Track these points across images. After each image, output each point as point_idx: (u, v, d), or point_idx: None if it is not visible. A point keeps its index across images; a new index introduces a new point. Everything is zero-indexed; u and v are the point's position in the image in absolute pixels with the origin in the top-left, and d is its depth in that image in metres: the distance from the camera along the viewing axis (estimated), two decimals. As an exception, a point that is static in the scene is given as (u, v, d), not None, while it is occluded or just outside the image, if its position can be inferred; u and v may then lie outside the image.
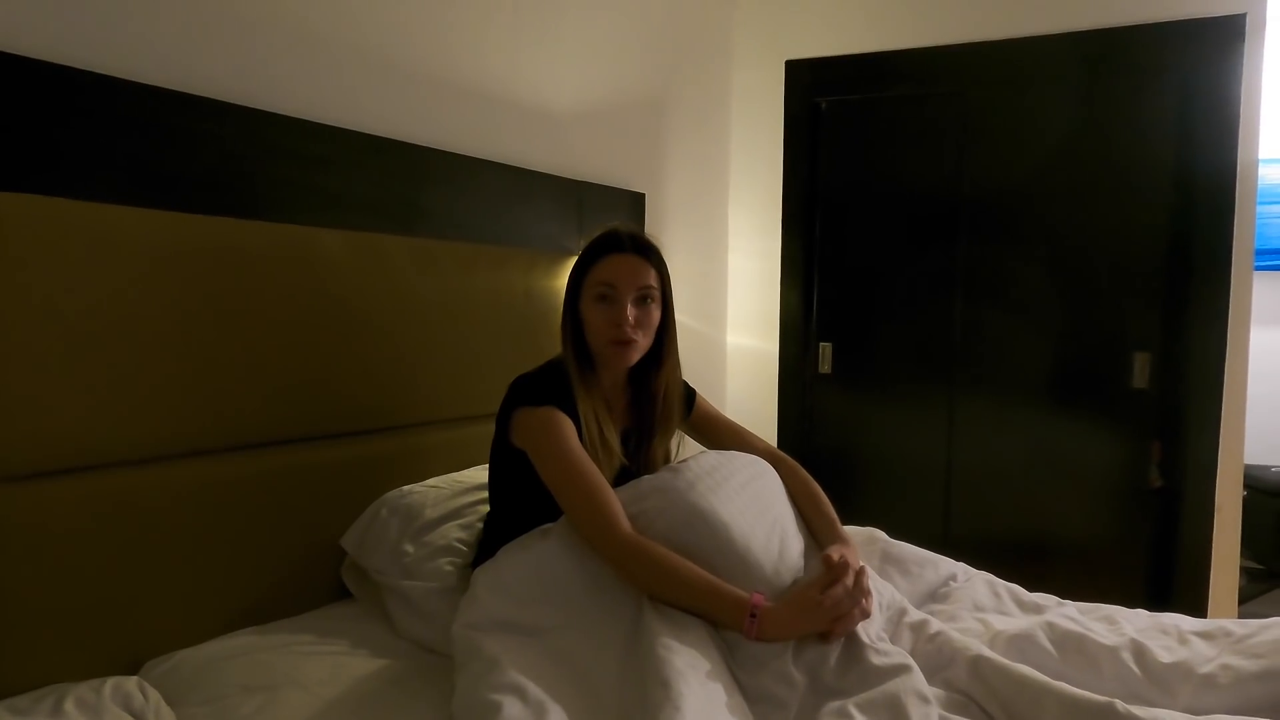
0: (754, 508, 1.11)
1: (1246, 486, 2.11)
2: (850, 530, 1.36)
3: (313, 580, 1.31)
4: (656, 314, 1.20)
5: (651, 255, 1.19)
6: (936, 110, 2.34)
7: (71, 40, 1.03)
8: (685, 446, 1.37)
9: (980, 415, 2.33)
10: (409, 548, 1.26)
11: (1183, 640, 1.05)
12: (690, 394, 1.36)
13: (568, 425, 1.11)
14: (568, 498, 1.07)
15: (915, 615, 1.11)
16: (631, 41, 2.13)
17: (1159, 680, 0.97)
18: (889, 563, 1.30)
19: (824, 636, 0.96)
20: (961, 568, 1.32)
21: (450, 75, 1.62)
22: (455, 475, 1.46)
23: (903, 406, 2.42)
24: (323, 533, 1.32)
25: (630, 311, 1.15)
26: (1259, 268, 2.14)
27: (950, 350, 2.35)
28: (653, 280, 1.18)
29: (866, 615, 0.98)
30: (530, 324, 1.74)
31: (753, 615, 0.95)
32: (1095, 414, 2.21)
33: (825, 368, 2.50)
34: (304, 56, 1.34)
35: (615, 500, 1.06)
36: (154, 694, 0.94)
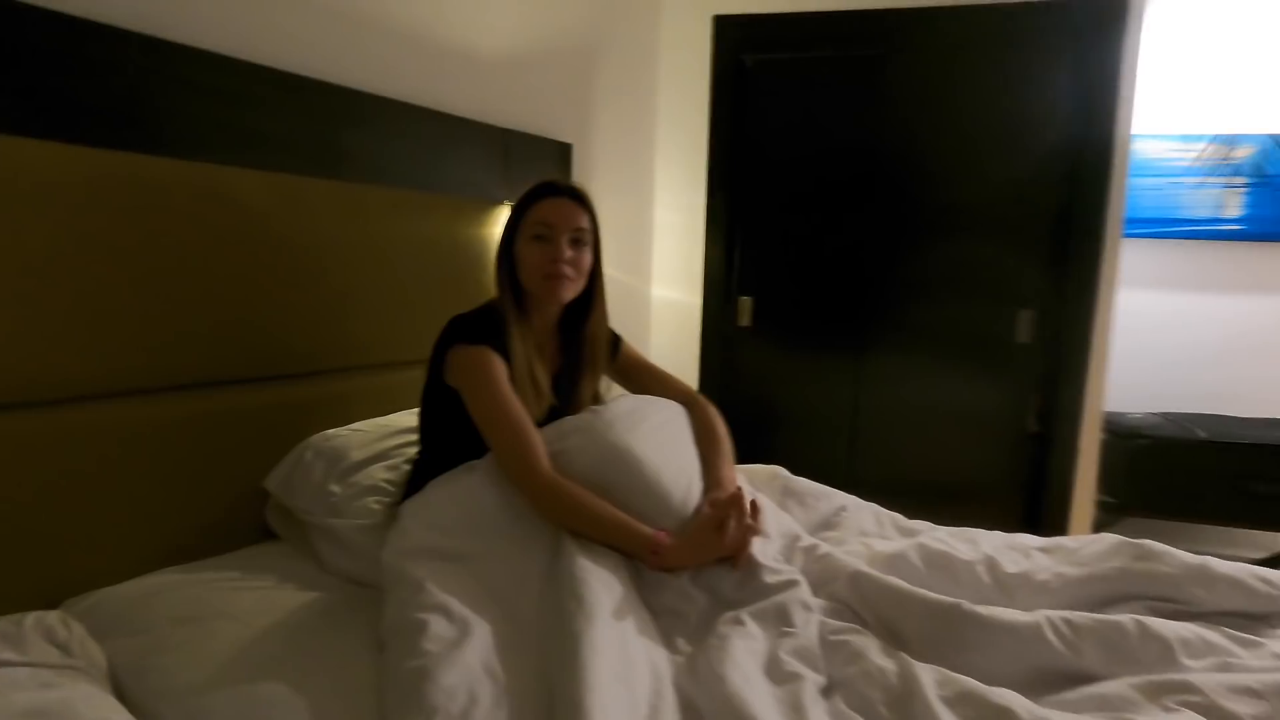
0: (667, 447, 1.20)
1: (1105, 430, 2.37)
2: (754, 468, 1.49)
3: (236, 522, 1.33)
4: (589, 258, 1.27)
5: (585, 202, 1.27)
6: (857, 72, 2.43)
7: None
8: (613, 392, 1.44)
9: (884, 367, 2.51)
10: (335, 488, 1.29)
11: (1027, 555, 1.22)
12: (615, 340, 1.43)
13: (499, 365, 1.16)
14: (493, 436, 1.13)
15: (807, 540, 1.24)
16: (560, -13, 2.11)
17: (1005, 587, 1.14)
18: (788, 496, 1.43)
19: (728, 563, 1.07)
20: (852, 499, 1.47)
21: (375, 14, 1.57)
22: (381, 419, 1.49)
23: (816, 359, 2.58)
24: (247, 476, 1.33)
25: (565, 250, 1.21)
26: (1127, 235, 2.36)
27: (859, 306, 2.50)
28: (586, 224, 1.25)
29: (757, 533, 1.09)
30: (457, 271, 1.75)
31: (655, 551, 1.05)
32: (985, 366, 2.42)
33: (745, 321, 2.61)
34: None
35: (538, 441, 1.13)
36: (78, 627, 0.95)
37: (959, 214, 2.40)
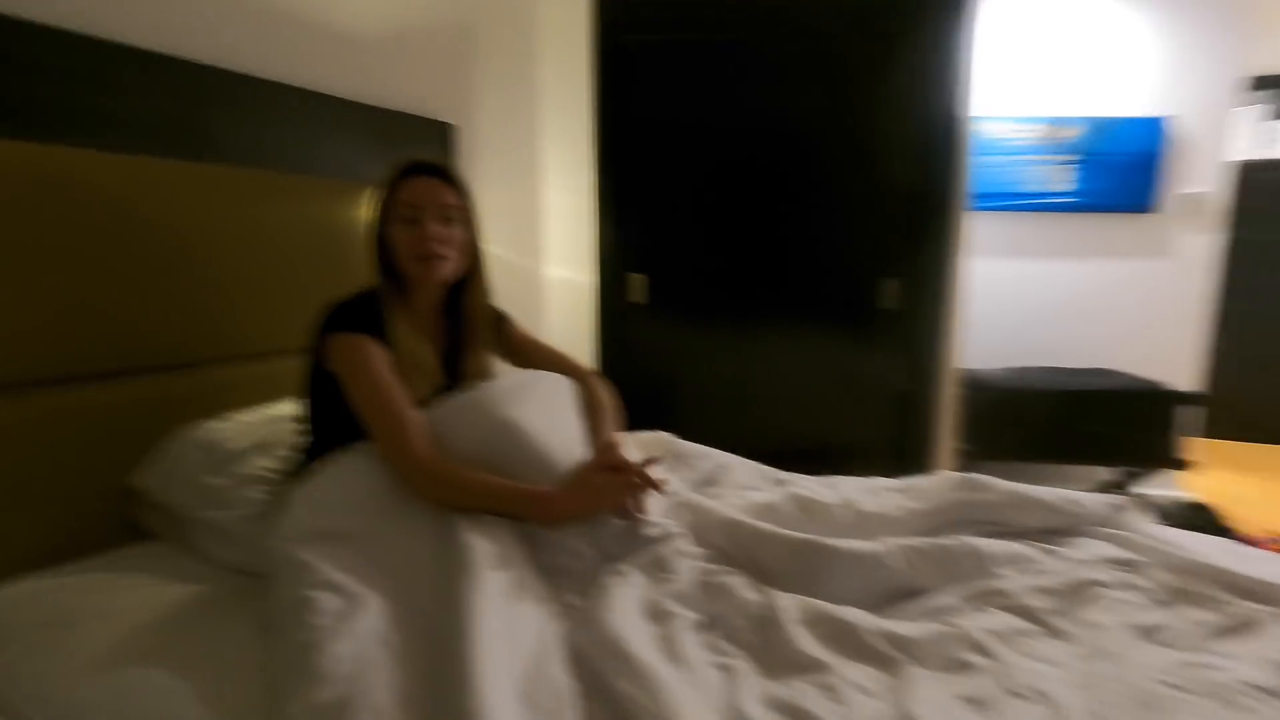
0: (553, 419, 1.25)
1: (962, 386, 2.64)
2: (642, 435, 1.57)
3: (105, 523, 1.27)
4: (463, 235, 1.27)
5: (452, 179, 1.26)
6: (732, 55, 2.54)
7: None
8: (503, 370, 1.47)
9: (769, 338, 2.66)
10: (214, 480, 1.26)
11: (881, 494, 1.37)
12: (502, 318, 1.46)
13: (377, 352, 1.16)
14: (372, 425, 1.13)
15: (690, 497, 1.34)
16: (434, -36, 2.08)
17: (861, 523, 1.27)
18: (675, 458, 1.52)
19: (618, 513, 1.12)
20: (733, 458, 1.58)
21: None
22: (261, 409, 1.46)
23: (707, 332, 2.70)
24: (113, 474, 1.28)
25: (434, 229, 1.21)
26: (977, 209, 2.62)
27: (745, 279, 2.64)
28: (454, 200, 1.24)
29: (646, 484, 1.14)
30: (337, 255, 1.72)
31: (544, 505, 1.09)
32: (858, 331, 2.62)
33: (638, 298, 2.69)
34: None
35: (417, 426, 1.13)
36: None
37: (833, 190, 2.57)
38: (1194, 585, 1.08)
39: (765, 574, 1.12)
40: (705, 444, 1.62)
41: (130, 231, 1.29)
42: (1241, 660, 0.89)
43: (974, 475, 1.33)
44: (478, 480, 1.10)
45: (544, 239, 2.68)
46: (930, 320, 2.56)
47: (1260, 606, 1.03)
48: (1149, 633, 0.97)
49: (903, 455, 2.66)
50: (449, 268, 1.25)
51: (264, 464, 1.30)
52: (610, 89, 2.58)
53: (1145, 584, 1.08)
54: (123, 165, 1.27)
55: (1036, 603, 1.03)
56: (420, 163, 1.26)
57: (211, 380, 1.46)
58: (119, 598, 1.07)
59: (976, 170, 2.53)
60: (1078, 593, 1.06)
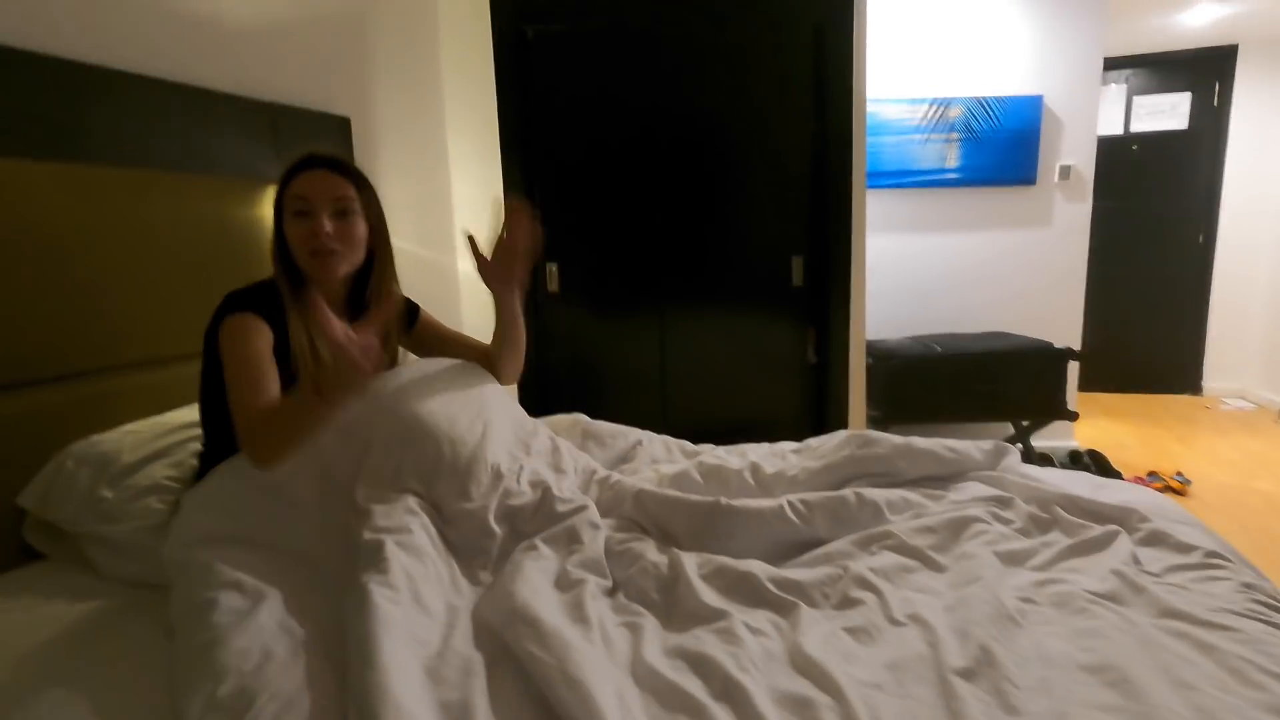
0: (456, 400, 1.26)
1: (868, 356, 2.78)
2: (556, 418, 1.60)
3: (-9, 546, 1.21)
4: (360, 227, 1.24)
5: (346, 170, 1.24)
6: (636, 42, 2.58)
7: None
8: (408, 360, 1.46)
9: (685, 321, 2.73)
10: (107, 493, 1.21)
11: (783, 457, 1.44)
12: (413, 309, 1.45)
13: (260, 331, 1.13)
14: (232, 404, 1.07)
15: (602, 473, 1.38)
16: (317, -47, 2.03)
17: (765, 485, 1.34)
18: (588, 438, 1.56)
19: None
20: (646, 434, 1.63)
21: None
22: (155, 418, 1.40)
23: (623, 319, 2.74)
24: (1, 494, 1.21)
25: (327, 223, 1.19)
26: (873, 186, 2.75)
27: (658, 265, 2.69)
28: (349, 192, 1.22)
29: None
30: (227, 253, 1.66)
31: (315, 391, 0.95)
32: (769, 310, 2.72)
33: (554, 287, 2.71)
34: None
35: (260, 405, 1.05)
36: None
37: (737, 174, 2.65)
38: (1055, 514, 1.19)
39: (672, 538, 1.17)
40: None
41: (1, 238, 1.22)
42: (1086, 574, 1.00)
43: (865, 431, 1.42)
44: (278, 411, 1.03)
45: (454, 231, 2.66)
46: (836, 295, 2.68)
47: (1110, 528, 1.15)
48: (1014, 558, 1.07)
49: (819, 426, 2.78)
50: (342, 262, 1.23)
51: (162, 473, 1.26)
52: (513, 79, 2.57)
53: (1013, 517, 1.19)
54: (-17, 168, 1.20)
55: (919, 541, 1.11)
56: (313, 156, 1.23)
57: (98, 391, 1.39)
58: (9, 620, 1.03)
59: (872, 150, 2.65)
60: (956, 529, 1.15)
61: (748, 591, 1.00)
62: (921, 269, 3.36)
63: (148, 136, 1.51)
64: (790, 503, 1.19)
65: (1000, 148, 3.26)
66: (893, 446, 1.36)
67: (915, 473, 1.35)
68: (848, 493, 1.23)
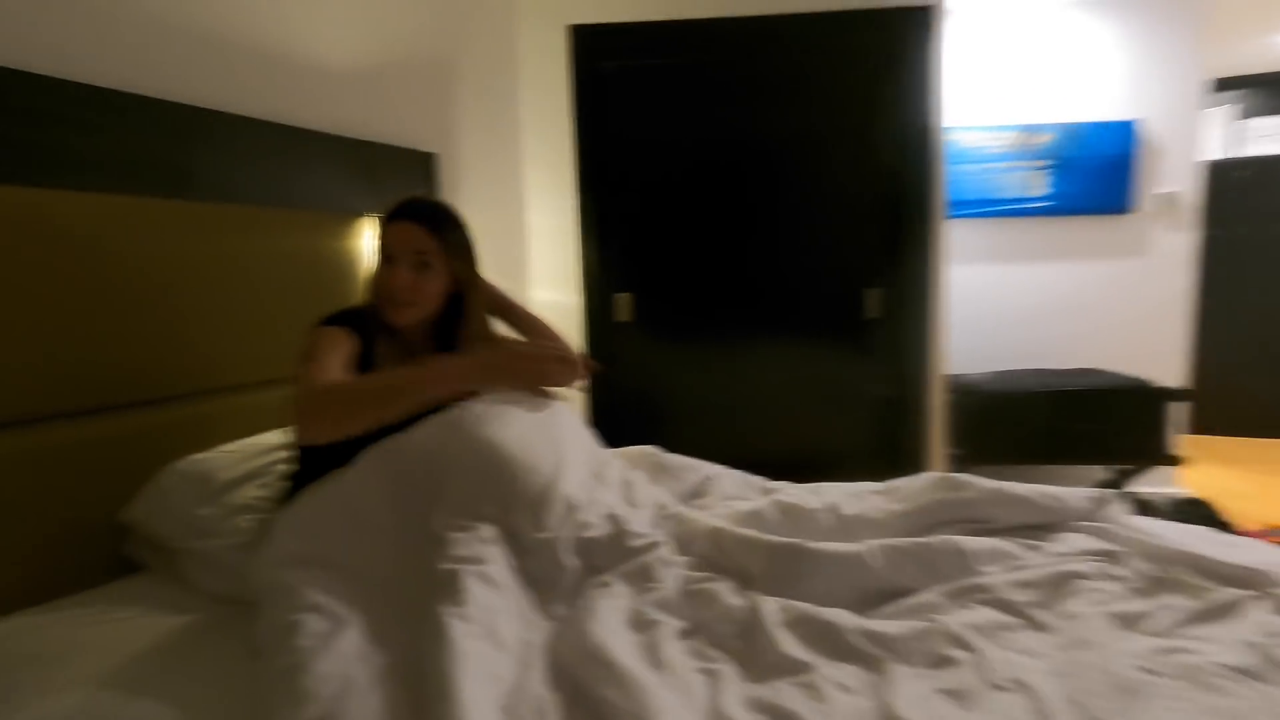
0: (533, 429, 1.27)
1: (949, 391, 2.66)
2: (628, 450, 1.59)
3: (95, 557, 1.28)
4: (435, 282, 1.28)
5: (431, 222, 1.27)
6: (707, 77, 2.60)
7: None
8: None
9: (755, 351, 2.69)
10: (204, 511, 1.27)
11: (864, 498, 1.38)
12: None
13: (346, 340, 1.17)
14: (297, 376, 1.10)
15: (675, 508, 1.35)
16: None
17: (846, 528, 1.28)
18: (660, 471, 1.53)
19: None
20: (720, 469, 1.59)
21: (219, 30, 1.55)
22: (250, 439, 1.47)
23: (693, 348, 2.72)
24: (103, 508, 1.28)
25: (405, 275, 1.24)
26: (955, 216, 2.66)
27: (729, 295, 2.67)
28: (429, 246, 1.26)
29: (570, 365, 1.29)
30: (320, 285, 1.74)
31: (430, 369, 1.13)
32: (843, 343, 2.65)
33: (625, 316, 2.72)
34: (47, 9, 1.23)
35: (322, 381, 1.08)
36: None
37: (812, 205, 2.61)
38: (1173, 573, 1.09)
39: (749, 579, 1.13)
40: (696, 457, 1.63)
41: (111, 270, 1.31)
42: (1217, 643, 0.90)
43: (954, 474, 1.34)
44: (368, 383, 1.11)
45: (529, 262, 2.72)
46: (914, 327, 2.59)
47: (1240, 591, 1.04)
48: (1128, 621, 0.98)
49: (894, 462, 2.67)
50: (413, 314, 1.27)
51: (254, 493, 1.31)
52: (589, 113, 2.63)
53: (1125, 574, 1.09)
54: (102, 205, 1.30)
55: (1017, 596, 1.04)
56: (409, 205, 1.29)
57: (197, 413, 1.47)
58: (108, 631, 1.08)
59: (952, 179, 2.57)
60: (1058, 585, 1.07)
61: (832, 642, 0.95)
62: (1005, 300, 3.21)
63: (250, 174, 1.61)
64: (875, 548, 1.13)
65: (1092, 175, 3.11)
66: (984, 491, 1.29)
67: (1009, 520, 1.27)
68: (936, 540, 1.16)
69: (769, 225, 2.64)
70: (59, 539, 1.23)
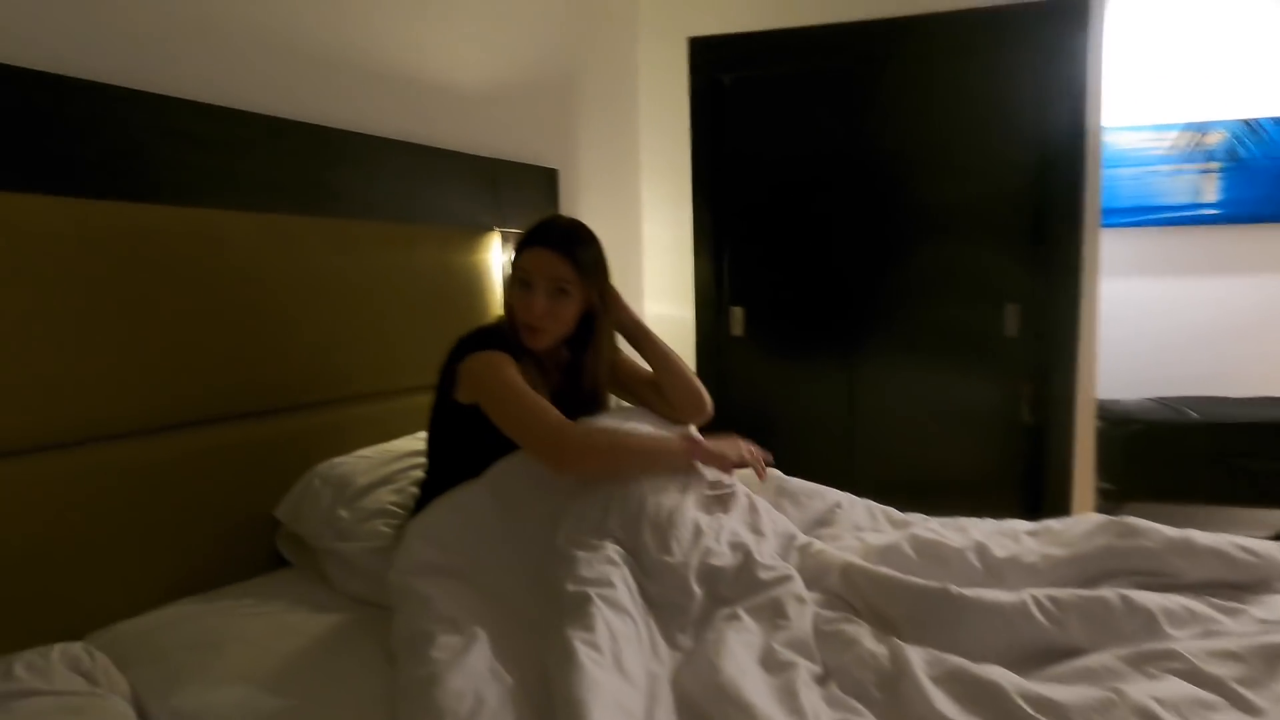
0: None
1: (1100, 418, 2.40)
2: (749, 472, 1.52)
3: (248, 551, 1.37)
4: (570, 309, 1.28)
5: (570, 250, 1.27)
6: (829, 84, 2.50)
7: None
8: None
9: (877, 368, 2.55)
10: (343, 513, 1.33)
11: (1016, 539, 1.25)
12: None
13: (513, 365, 1.20)
14: (520, 427, 1.16)
15: (802, 539, 1.28)
16: (536, 19, 2.19)
17: (994, 570, 1.16)
18: (783, 496, 1.46)
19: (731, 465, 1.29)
20: (846, 496, 1.50)
21: (354, 56, 1.65)
22: (383, 445, 1.53)
23: (809, 364, 2.62)
24: (254, 506, 1.38)
25: (541, 301, 1.24)
26: (1107, 225, 2.41)
27: (849, 308, 2.55)
28: (567, 274, 1.25)
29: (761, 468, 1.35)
30: (448, 298, 1.81)
31: (691, 449, 1.24)
32: (975, 361, 2.46)
33: (738, 331, 2.66)
34: (203, 39, 1.35)
35: (560, 416, 1.16)
36: (101, 657, 0.99)
37: (940, 215, 2.45)
38: None
39: (889, 624, 1.04)
40: (811, 479, 1.55)
41: (264, 285, 1.41)
42: None
43: (1126, 519, 1.19)
44: (631, 439, 1.21)
45: (643, 274, 2.71)
46: (1059, 347, 2.36)
47: None
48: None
49: (1034, 494, 2.44)
50: (547, 339, 1.28)
51: (388, 498, 1.36)
52: (706, 125, 2.60)
53: (1357, 652, 0.92)
54: (255, 223, 1.40)
55: (1218, 669, 0.89)
56: (544, 230, 1.29)
57: (337, 419, 1.55)
58: (257, 624, 1.14)
59: (1106, 184, 2.33)
60: (1270, 659, 0.91)
61: (992, 706, 0.85)
62: (1168, 319, 2.88)
63: (384, 191, 1.69)
64: (1035, 598, 1.01)
65: (1274, 178, 2.74)
66: (1166, 540, 1.13)
67: (1196, 576, 1.10)
68: (1110, 593, 1.02)
69: (894, 236, 2.50)
70: (219, 532, 1.32)
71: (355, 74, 1.65)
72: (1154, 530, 1.15)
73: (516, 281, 1.28)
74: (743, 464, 1.31)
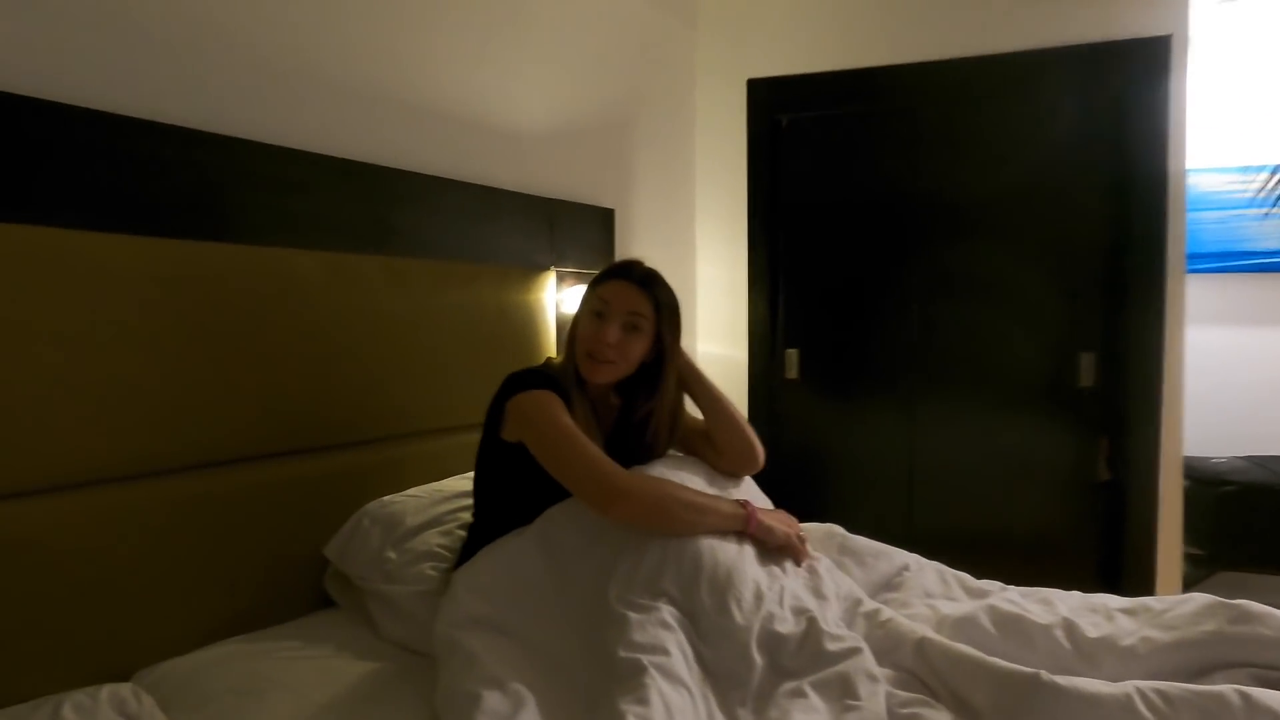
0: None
1: (1187, 477, 2.23)
2: (810, 526, 1.45)
3: (296, 590, 1.36)
4: (639, 345, 1.26)
5: (651, 288, 1.26)
6: (890, 125, 2.45)
7: (49, 75, 1.08)
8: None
9: (939, 416, 2.43)
10: (391, 554, 1.31)
11: (1109, 617, 1.14)
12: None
13: (562, 405, 1.17)
14: (566, 468, 1.12)
15: (869, 604, 1.19)
16: (596, 63, 2.22)
17: (1086, 653, 1.06)
18: (845, 555, 1.38)
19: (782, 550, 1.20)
20: (914, 558, 1.41)
21: (418, 99, 1.68)
22: (434, 485, 1.51)
23: (866, 409, 2.52)
24: (305, 543, 1.36)
25: (614, 332, 1.22)
26: (1191, 270, 2.27)
27: (909, 354, 2.45)
28: (644, 309, 1.24)
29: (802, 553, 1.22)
30: (503, 337, 1.80)
31: (746, 517, 1.17)
32: (1046, 412, 2.33)
33: (792, 373, 2.59)
34: (275, 86, 1.39)
35: (608, 460, 1.12)
36: (148, 699, 0.98)
37: (1007, 259, 2.35)
38: None
39: (969, 709, 0.95)
40: (866, 531, 1.47)
41: (324, 321, 1.42)
42: None
43: (1241, 603, 1.07)
44: (685, 492, 1.15)
45: (697, 315, 2.68)
46: (1139, 398, 2.22)
47: None
48: None
49: (1111, 558, 2.27)
50: (611, 373, 1.25)
51: (436, 540, 1.34)
52: (764, 165, 2.58)
53: None
54: (318, 261, 1.41)
55: (1366, 791, 0.77)
56: (625, 266, 1.29)
57: (390, 455, 1.54)
58: (302, 669, 1.12)
59: (1190, 228, 2.20)
60: None
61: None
62: (1257, 370, 2.68)
63: (443, 230, 1.71)
64: (1141, 691, 0.90)
65: (1376, 222, 2.55)
66: (1287, 629, 1.01)
67: (1325, 671, 0.98)
68: (1228, 690, 0.91)
69: (958, 280, 2.40)
70: (269, 569, 1.31)
71: (418, 116, 1.68)
72: (1271, 616, 1.03)
73: (590, 313, 1.26)
74: (787, 545, 1.20)
